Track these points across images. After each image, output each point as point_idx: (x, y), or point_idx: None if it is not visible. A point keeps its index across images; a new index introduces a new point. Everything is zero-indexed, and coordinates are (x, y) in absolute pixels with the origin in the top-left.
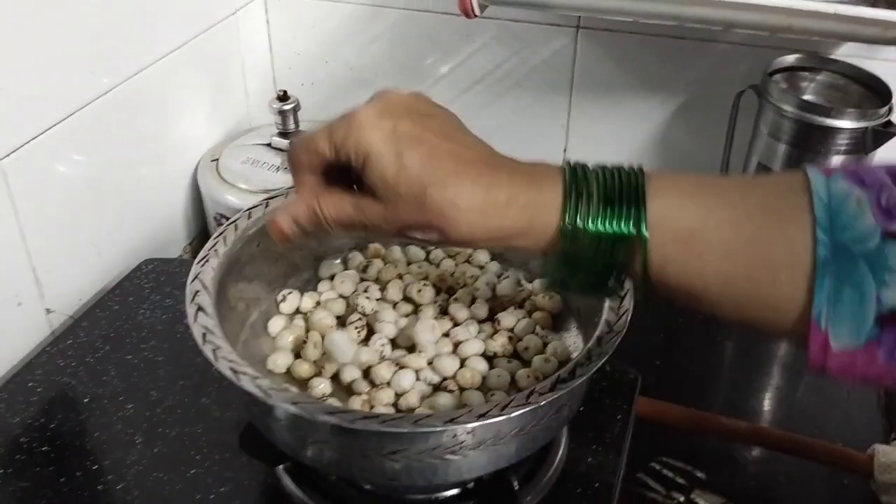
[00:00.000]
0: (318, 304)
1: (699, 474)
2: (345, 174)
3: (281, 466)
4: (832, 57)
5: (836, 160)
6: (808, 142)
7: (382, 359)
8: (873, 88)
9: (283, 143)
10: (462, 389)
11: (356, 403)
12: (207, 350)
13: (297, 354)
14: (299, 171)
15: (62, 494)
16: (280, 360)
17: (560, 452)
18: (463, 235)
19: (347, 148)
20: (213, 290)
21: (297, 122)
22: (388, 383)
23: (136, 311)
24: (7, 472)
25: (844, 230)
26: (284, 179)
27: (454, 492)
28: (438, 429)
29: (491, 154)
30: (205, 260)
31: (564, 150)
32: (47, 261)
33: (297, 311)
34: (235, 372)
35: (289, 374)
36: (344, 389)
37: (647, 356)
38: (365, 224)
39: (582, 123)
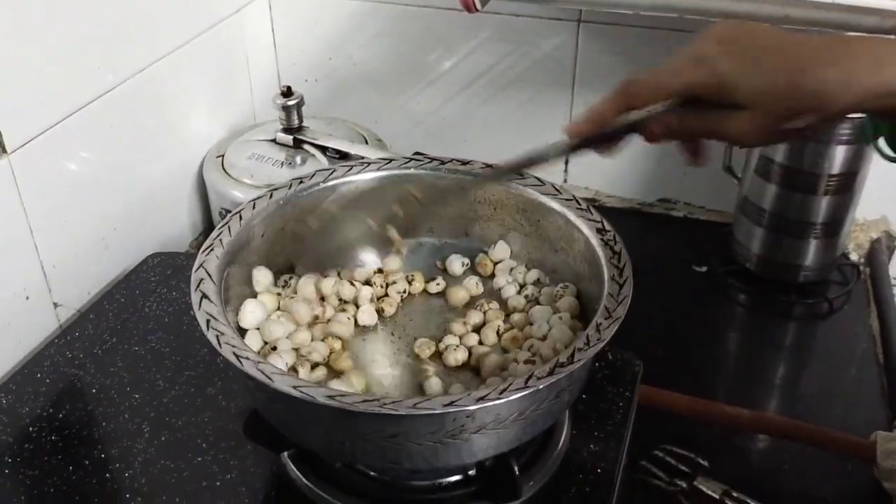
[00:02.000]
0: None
1: (702, 462)
2: None
3: (285, 453)
4: None
5: (837, 150)
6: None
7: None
8: None
9: (288, 138)
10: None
11: None
12: (211, 336)
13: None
14: (637, 104)
15: (71, 482)
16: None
17: (562, 439)
18: (848, 102)
19: (700, 81)
20: (217, 279)
21: (300, 118)
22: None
23: (142, 304)
24: (17, 460)
25: None
26: (288, 174)
27: (456, 477)
28: (437, 411)
29: (823, 35)
30: (209, 249)
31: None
32: (55, 255)
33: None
34: (238, 357)
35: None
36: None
37: (650, 345)
38: (724, 135)
39: None
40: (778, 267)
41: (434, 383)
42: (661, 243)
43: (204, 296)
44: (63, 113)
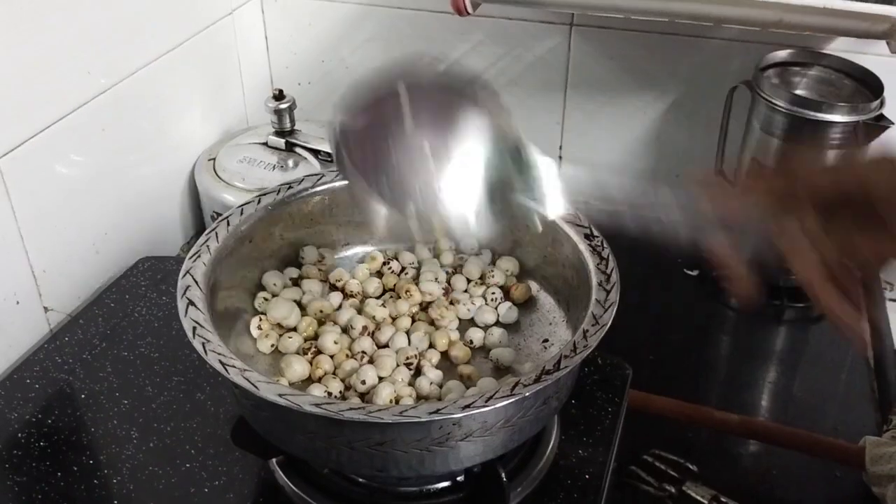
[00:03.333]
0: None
1: (691, 467)
2: None
3: (273, 460)
4: (824, 52)
5: (829, 154)
6: (801, 136)
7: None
8: (865, 82)
9: (280, 141)
10: None
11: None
12: (197, 343)
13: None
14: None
15: (59, 489)
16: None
17: (551, 445)
18: None
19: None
20: (204, 285)
21: (293, 121)
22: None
23: (132, 309)
24: (5, 466)
25: None
26: (280, 178)
27: (445, 484)
28: (423, 419)
29: None
30: (196, 255)
31: (560, 147)
32: (45, 259)
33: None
34: (224, 365)
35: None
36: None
37: (640, 350)
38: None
39: (577, 120)
40: (769, 271)
41: (424, 382)
42: (653, 247)
43: (190, 303)
44: (54, 117)
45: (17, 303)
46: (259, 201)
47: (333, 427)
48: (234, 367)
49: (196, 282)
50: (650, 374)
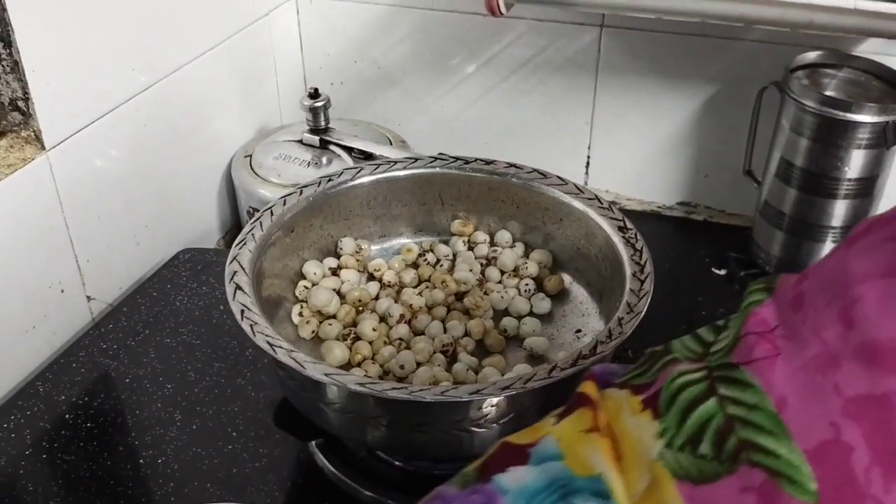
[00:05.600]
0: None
1: None
2: None
3: (313, 442)
4: (853, 53)
5: (857, 154)
6: (830, 136)
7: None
8: (894, 84)
9: (314, 139)
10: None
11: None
12: (246, 325)
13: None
14: None
15: (105, 467)
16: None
17: None
18: None
19: None
20: (250, 272)
21: (327, 120)
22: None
23: (174, 298)
24: (53, 446)
25: None
26: (314, 174)
27: None
28: (463, 399)
29: None
30: (242, 243)
31: (588, 147)
32: (89, 250)
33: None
34: (272, 345)
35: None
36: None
37: None
38: None
39: (606, 120)
40: (797, 270)
41: (461, 367)
42: (681, 246)
43: (238, 287)
44: (98, 112)
45: (62, 291)
46: (301, 193)
47: (376, 407)
48: (281, 347)
49: (242, 268)
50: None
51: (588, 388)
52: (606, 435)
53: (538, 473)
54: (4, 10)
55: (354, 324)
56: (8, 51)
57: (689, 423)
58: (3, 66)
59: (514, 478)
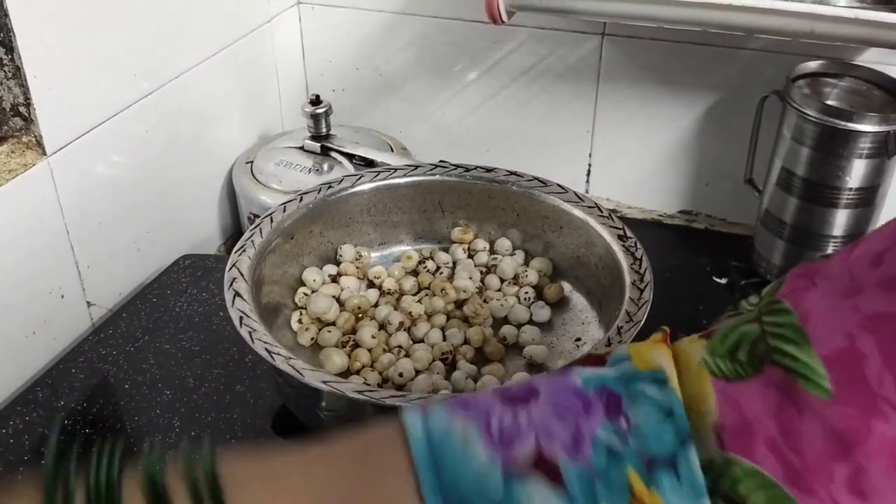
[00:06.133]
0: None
1: None
2: None
3: None
4: (855, 63)
5: (859, 164)
6: (831, 146)
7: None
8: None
9: (315, 145)
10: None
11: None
12: (244, 332)
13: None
14: None
15: None
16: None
17: None
18: None
19: None
20: (249, 278)
21: (328, 126)
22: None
23: (173, 304)
24: (51, 451)
25: (454, 480)
26: (315, 181)
27: None
28: None
29: None
30: (241, 250)
31: (589, 155)
32: (89, 256)
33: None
34: (270, 353)
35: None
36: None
37: None
38: None
39: (607, 128)
40: None
41: (460, 375)
42: (682, 255)
43: (237, 294)
44: (100, 118)
45: (62, 297)
46: (301, 199)
47: (375, 414)
48: (279, 354)
49: (241, 274)
50: None
51: (659, 334)
52: (669, 349)
53: (610, 369)
54: (6, 15)
55: (354, 331)
56: (10, 56)
57: (731, 338)
58: (4, 71)
59: (589, 369)
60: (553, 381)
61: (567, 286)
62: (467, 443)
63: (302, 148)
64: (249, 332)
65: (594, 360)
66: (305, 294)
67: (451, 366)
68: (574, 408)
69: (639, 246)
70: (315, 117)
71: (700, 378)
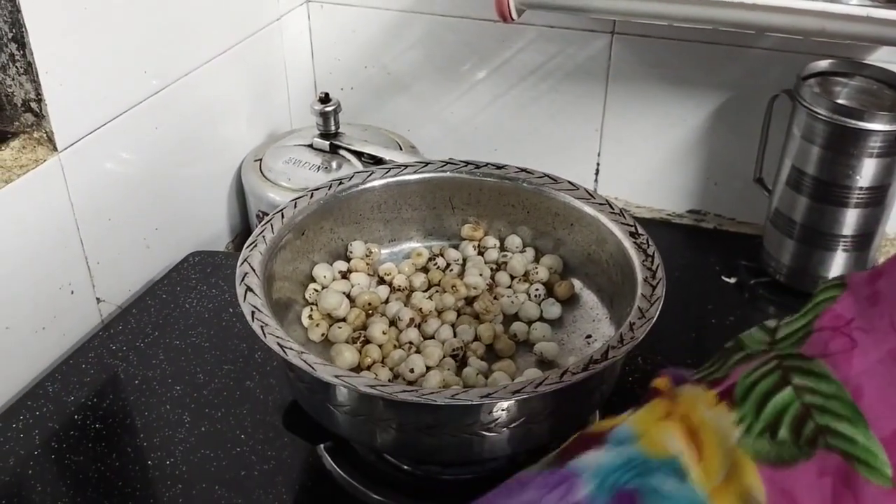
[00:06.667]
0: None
1: None
2: None
3: (322, 446)
4: (865, 62)
5: (869, 163)
6: (842, 145)
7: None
8: None
9: (324, 143)
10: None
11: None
12: (256, 326)
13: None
14: None
15: (113, 468)
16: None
17: None
18: None
19: None
20: (260, 273)
21: (337, 125)
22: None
23: (183, 300)
24: (62, 446)
25: None
26: (324, 178)
27: (488, 472)
28: (475, 402)
29: None
30: (253, 245)
31: (598, 154)
32: (99, 252)
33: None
34: (283, 347)
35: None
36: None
37: (680, 354)
38: None
39: (616, 127)
40: (808, 279)
41: (471, 371)
42: (691, 254)
43: (248, 289)
44: (111, 114)
45: (72, 293)
46: (311, 196)
47: (386, 409)
48: (292, 349)
49: (253, 269)
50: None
51: (660, 383)
52: (681, 423)
53: (614, 454)
54: (19, 11)
55: (364, 327)
56: (21, 52)
57: (767, 412)
58: (16, 67)
59: (590, 459)
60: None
61: (578, 283)
62: None
63: (311, 146)
64: (261, 327)
65: (592, 438)
66: (316, 290)
67: (461, 362)
68: None
69: (650, 243)
70: (324, 115)
71: (743, 466)
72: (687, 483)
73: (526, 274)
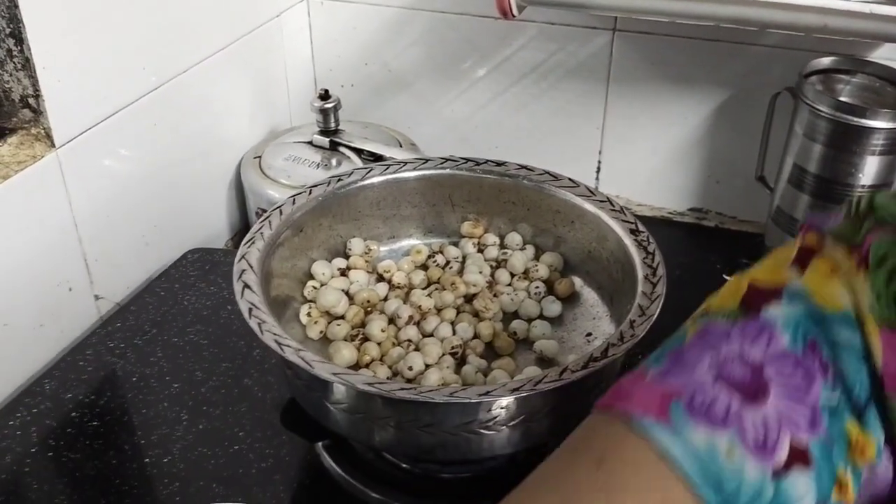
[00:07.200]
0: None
1: None
2: None
3: (320, 444)
4: (868, 59)
5: (871, 160)
6: (844, 142)
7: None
8: None
9: (324, 140)
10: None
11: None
12: (254, 324)
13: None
14: None
15: (110, 466)
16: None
17: None
18: None
19: None
20: (258, 270)
21: (337, 121)
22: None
23: (182, 298)
24: (59, 443)
25: (733, 495)
26: (324, 175)
27: (487, 470)
28: (472, 400)
29: None
30: (251, 242)
31: (599, 152)
32: (97, 249)
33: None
34: (280, 344)
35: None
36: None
37: None
38: None
39: (617, 125)
40: None
41: (470, 369)
42: (693, 253)
43: (246, 286)
44: (108, 111)
45: (70, 290)
46: (310, 192)
47: (385, 407)
48: (289, 346)
49: (251, 266)
50: None
51: (811, 239)
52: (844, 279)
53: (796, 308)
54: (16, 6)
55: (363, 325)
56: (19, 48)
57: (892, 288)
58: (14, 62)
59: (779, 311)
60: (770, 354)
61: (578, 281)
62: (733, 458)
63: (310, 143)
64: (259, 324)
65: (770, 292)
66: (314, 287)
67: (460, 360)
68: (801, 384)
69: (651, 240)
70: (324, 112)
71: (870, 326)
72: (859, 332)
73: (526, 271)
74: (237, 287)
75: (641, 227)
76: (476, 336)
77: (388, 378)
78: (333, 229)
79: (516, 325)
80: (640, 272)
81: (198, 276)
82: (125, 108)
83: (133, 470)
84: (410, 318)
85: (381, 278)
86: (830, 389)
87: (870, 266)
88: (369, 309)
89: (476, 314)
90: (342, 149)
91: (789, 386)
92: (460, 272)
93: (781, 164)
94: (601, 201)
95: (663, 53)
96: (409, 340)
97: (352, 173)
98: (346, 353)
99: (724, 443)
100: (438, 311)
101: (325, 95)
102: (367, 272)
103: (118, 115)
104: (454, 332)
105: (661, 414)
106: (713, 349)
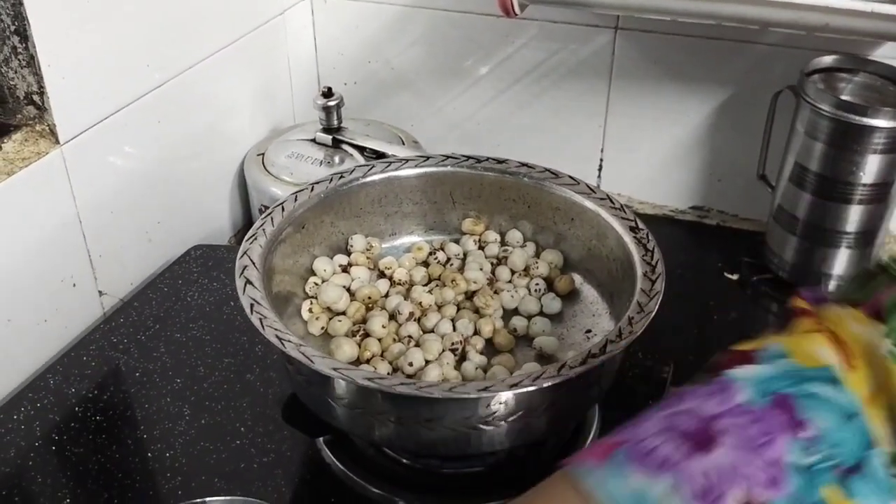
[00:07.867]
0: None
1: None
2: None
3: (321, 439)
4: (869, 58)
5: (873, 159)
6: (845, 141)
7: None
8: None
9: (327, 138)
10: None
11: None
12: (255, 319)
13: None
14: None
15: (114, 460)
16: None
17: (590, 438)
18: None
19: None
20: (260, 266)
21: (340, 119)
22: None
23: (185, 294)
24: (63, 438)
25: None
26: (326, 172)
27: (487, 466)
28: (473, 396)
29: None
30: (253, 238)
31: (601, 150)
32: (101, 245)
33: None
34: (281, 339)
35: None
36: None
37: (682, 351)
38: None
39: (619, 123)
40: (811, 275)
41: (470, 366)
42: (694, 251)
43: (248, 282)
44: (113, 108)
45: (74, 285)
46: (312, 189)
47: (385, 402)
48: (290, 341)
49: (253, 262)
50: (690, 375)
51: (800, 303)
52: (829, 336)
53: (768, 367)
54: (21, 3)
55: (364, 321)
56: (24, 45)
57: None
58: (19, 59)
59: (745, 371)
60: (725, 408)
61: (578, 278)
62: None
63: (313, 140)
64: (260, 319)
65: (740, 356)
66: (316, 284)
67: (461, 356)
68: (758, 437)
69: (650, 237)
70: (327, 110)
71: (889, 371)
72: (842, 388)
73: (526, 269)
74: (239, 283)
75: (641, 225)
76: (476, 332)
77: (388, 374)
78: (335, 226)
79: (516, 321)
80: (640, 269)
81: (201, 272)
82: (129, 105)
83: (135, 464)
84: (411, 314)
85: (382, 275)
86: (804, 448)
87: (884, 313)
88: (370, 305)
89: (476, 311)
90: (345, 146)
91: (743, 437)
92: (461, 269)
93: (783, 163)
94: (601, 199)
95: (665, 52)
96: (410, 336)
97: (354, 170)
98: (347, 348)
99: (659, 488)
100: (439, 307)
101: (327, 93)
102: (369, 269)
103: (122, 112)
104: (454, 329)
105: (602, 460)
106: (669, 406)
